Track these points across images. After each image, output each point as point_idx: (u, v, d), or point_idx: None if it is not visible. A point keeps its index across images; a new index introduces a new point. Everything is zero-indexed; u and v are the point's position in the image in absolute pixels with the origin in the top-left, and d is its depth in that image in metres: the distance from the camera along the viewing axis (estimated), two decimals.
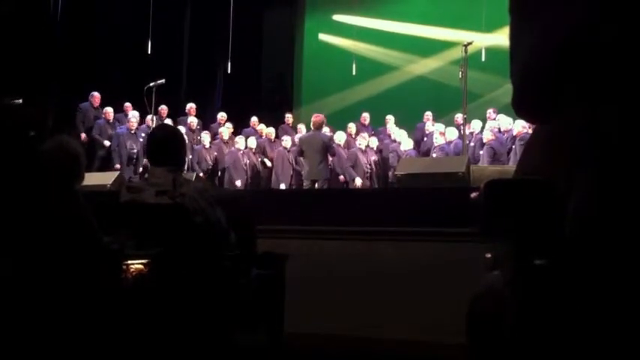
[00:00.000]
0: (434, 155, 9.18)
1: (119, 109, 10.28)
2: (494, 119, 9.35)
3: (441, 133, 9.51)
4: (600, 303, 1.07)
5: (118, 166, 9.22)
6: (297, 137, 10.09)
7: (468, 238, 3.89)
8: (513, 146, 8.24)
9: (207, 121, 11.20)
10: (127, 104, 10.21)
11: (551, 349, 1.16)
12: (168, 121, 9.97)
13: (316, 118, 8.93)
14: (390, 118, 10.71)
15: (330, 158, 9.28)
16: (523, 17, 1.19)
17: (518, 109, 1.23)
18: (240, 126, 10.96)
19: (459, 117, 9.75)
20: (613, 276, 1.06)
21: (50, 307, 2.12)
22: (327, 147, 8.73)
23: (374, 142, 10.23)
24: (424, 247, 4.47)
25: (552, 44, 1.11)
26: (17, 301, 2.08)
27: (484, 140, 8.74)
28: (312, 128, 8.97)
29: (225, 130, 10.45)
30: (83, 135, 9.71)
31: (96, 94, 10.10)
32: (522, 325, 1.18)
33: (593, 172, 1.09)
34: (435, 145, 9.38)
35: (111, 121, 9.95)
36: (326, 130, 9.55)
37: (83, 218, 2.31)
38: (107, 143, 9.67)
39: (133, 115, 9.78)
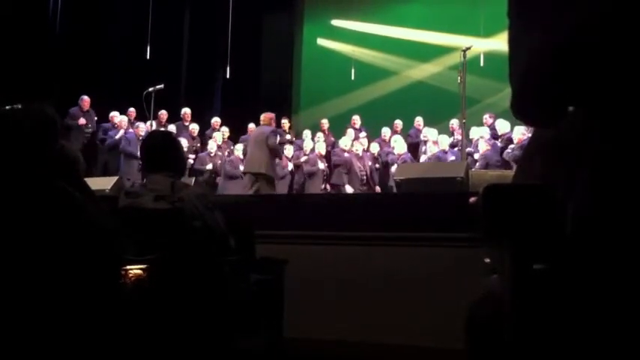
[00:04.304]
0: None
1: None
2: (491, 124, 9.35)
3: (434, 142, 9.47)
4: (600, 305, 1.07)
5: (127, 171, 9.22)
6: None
7: (467, 243, 3.89)
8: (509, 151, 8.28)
9: (206, 126, 11.21)
10: (131, 110, 10.21)
11: (551, 355, 1.15)
12: (172, 127, 10.03)
13: (265, 115, 8.77)
14: (398, 124, 10.69)
15: (277, 160, 9.02)
16: (522, 20, 1.19)
17: (518, 112, 1.22)
18: (240, 131, 10.97)
19: (454, 123, 9.76)
20: (613, 278, 1.06)
21: (48, 311, 2.12)
22: (267, 138, 8.30)
23: (374, 148, 10.21)
24: (423, 252, 4.46)
25: (552, 46, 1.11)
26: (15, 304, 2.08)
27: (480, 151, 8.74)
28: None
29: (219, 135, 10.44)
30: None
31: (85, 97, 10.10)
32: (522, 330, 1.18)
33: (594, 173, 1.09)
34: (430, 154, 9.34)
35: (117, 125, 10.00)
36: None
37: (84, 224, 2.31)
38: (120, 134, 9.75)
39: (140, 122, 9.81)
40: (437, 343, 4.07)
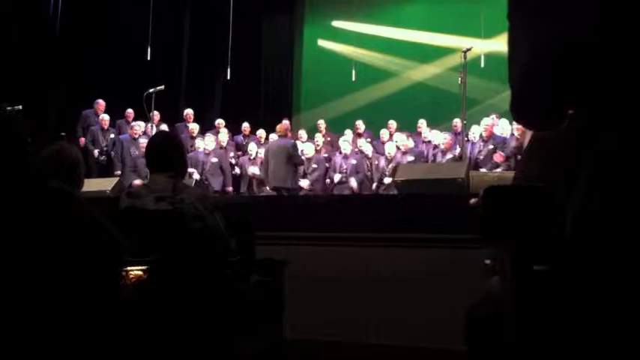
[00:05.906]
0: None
1: (119, 115, 10.26)
2: (497, 125, 9.36)
3: (404, 146, 9.34)
4: (600, 306, 1.07)
5: (118, 172, 9.19)
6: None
7: (468, 245, 3.89)
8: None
9: (206, 127, 11.19)
10: (129, 111, 10.16)
11: (551, 355, 1.15)
12: (164, 127, 9.96)
13: (281, 125, 9.01)
14: (393, 124, 10.59)
15: (300, 168, 9.22)
16: (522, 21, 1.19)
17: (518, 115, 1.22)
18: (240, 132, 10.96)
19: (457, 122, 9.74)
20: (613, 278, 1.06)
21: (48, 311, 2.12)
22: (292, 156, 8.68)
23: (368, 148, 10.05)
24: (423, 253, 4.46)
25: (552, 48, 1.11)
26: (15, 305, 2.08)
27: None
28: (277, 136, 9.10)
29: (222, 136, 10.43)
30: (82, 139, 9.64)
31: (101, 101, 9.99)
32: (522, 330, 1.18)
33: (594, 173, 1.09)
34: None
35: (106, 128, 9.83)
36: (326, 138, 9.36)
37: (84, 225, 2.31)
38: (96, 153, 9.56)
39: (137, 124, 9.68)
40: (437, 343, 4.07)
